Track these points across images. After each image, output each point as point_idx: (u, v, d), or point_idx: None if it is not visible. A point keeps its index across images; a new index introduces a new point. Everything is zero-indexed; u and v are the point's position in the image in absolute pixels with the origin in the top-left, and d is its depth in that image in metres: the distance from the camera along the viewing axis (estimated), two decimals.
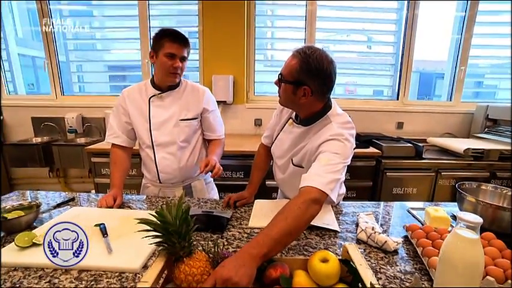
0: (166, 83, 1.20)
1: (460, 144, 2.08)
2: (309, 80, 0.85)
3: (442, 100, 2.77)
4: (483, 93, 2.97)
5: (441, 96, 2.81)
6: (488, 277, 0.66)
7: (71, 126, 2.59)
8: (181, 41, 1.13)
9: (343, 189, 1.17)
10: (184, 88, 1.26)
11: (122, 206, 1.13)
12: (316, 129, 0.95)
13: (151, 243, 0.57)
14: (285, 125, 1.07)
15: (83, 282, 0.69)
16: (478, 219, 0.59)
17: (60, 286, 0.67)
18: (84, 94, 2.88)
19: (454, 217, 1.04)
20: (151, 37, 1.15)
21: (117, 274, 0.71)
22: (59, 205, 1.11)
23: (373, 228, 0.87)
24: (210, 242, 0.84)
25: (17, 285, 0.67)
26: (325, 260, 0.59)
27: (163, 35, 1.12)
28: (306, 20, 2.49)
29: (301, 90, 0.87)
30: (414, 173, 2.01)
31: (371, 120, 2.59)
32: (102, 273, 0.72)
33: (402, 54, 2.58)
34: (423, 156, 2.04)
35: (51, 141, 2.52)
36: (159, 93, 1.22)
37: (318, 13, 2.47)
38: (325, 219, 0.97)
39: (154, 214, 0.58)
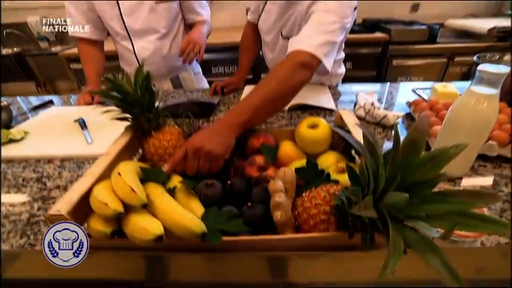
0: None
1: (484, 24, 1.80)
2: None
3: None
4: None
5: None
6: (490, 142, 0.61)
7: (38, 33, 2.28)
8: None
9: (342, 69, 1.03)
10: None
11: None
12: None
13: (112, 118, 0.49)
14: None
15: (66, 169, 0.69)
16: (502, 70, 0.48)
17: (45, 173, 0.67)
18: None
19: None
20: None
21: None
22: (37, 107, 1.03)
23: (372, 104, 0.78)
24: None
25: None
26: (314, 126, 0.52)
27: None
28: None
29: None
30: (424, 59, 1.81)
31: (380, 3, 2.19)
32: (85, 160, 0.71)
33: None
34: (437, 41, 1.80)
35: (23, 52, 2.27)
36: None
37: None
38: (321, 99, 0.89)
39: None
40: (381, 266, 0.36)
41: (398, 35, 1.76)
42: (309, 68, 0.59)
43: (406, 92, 1.02)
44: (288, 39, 0.84)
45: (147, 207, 0.35)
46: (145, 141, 0.50)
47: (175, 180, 0.43)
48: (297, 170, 0.44)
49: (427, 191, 0.25)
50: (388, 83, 1.09)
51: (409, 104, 0.82)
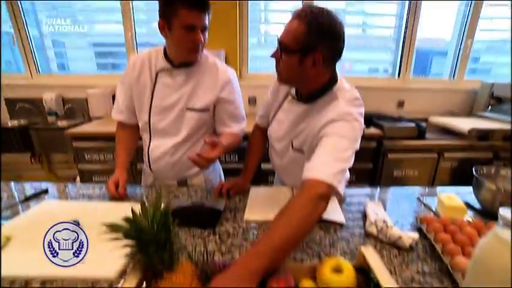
0: (184, 60, 0.97)
1: (464, 125, 1.99)
2: (321, 44, 0.71)
3: (443, 77, 2.65)
4: (479, 70, 2.82)
5: (438, 74, 2.68)
6: None
7: (50, 108, 2.39)
8: (201, 5, 0.86)
9: (347, 175, 1.06)
10: (203, 66, 1.01)
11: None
12: (320, 106, 0.81)
13: (124, 255, 0.45)
14: (283, 102, 0.93)
15: None
16: None
17: None
18: (63, 73, 2.64)
19: (469, 205, 0.95)
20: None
21: (89, 286, 0.60)
22: (28, 198, 0.98)
23: (384, 221, 0.77)
24: (199, 240, 0.74)
25: None
26: (338, 270, 0.48)
27: None
28: None
29: (311, 58, 0.72)
30: (416, 154, 1.92)
31: (371, 99, 2.43)
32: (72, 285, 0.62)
33: (405, 29, 2.41)
34: (426, 137, 1.95)
35: (29, 125, 2.33)
36: (169, 68, 0.98)
37: None
38: (329, 210, 0.87)
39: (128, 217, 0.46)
40: None
41: (391, 131, 1.90)
42: (326, 198, 0.60)
43: (411, 198, 1.03)
44: (298, 151, 0.88)
45: None
46: (155, 283, 0.45)
47: None
48: None
49: None
50: (391, 188, 1.11)
51: (420, 220, 0.81)
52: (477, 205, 0.95)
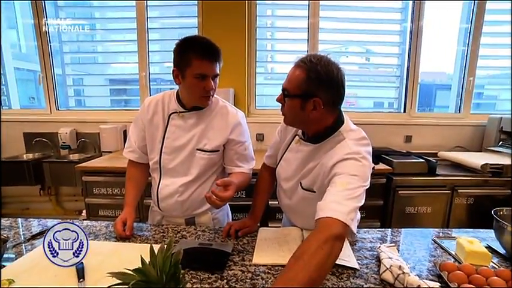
0: (195, 105, 1.01)
1: (475, 159, 1.95)
2: (319, 90, 0.76)
3: (449, 112, 2.67)
4: (483, 104, 2.84)
5: (442, 107, 2.71)
6: None
7: (64, 142, 2.47)
8: (212, 56, 0.91)
9: (358, 215, 1.03)
10: (214, 109, 1.04)
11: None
12: (327, 146, 0.83)
13: None
14: (290, 142, 0.95)
15: None
16: None
17: None
18: (79, 109, 2.78)
19: (492, 249, 0.90)
20: (173, 49, 0.95)
21: None
22: (33, 236, 0.97)
23: (400, 267, 0.72)
24: (207, 285, 0.70)
25: None
26: None
27: (188, 49, 0.90)
28: (308, 31, 2.43)
29: (311, 103, 0.77)
30: (428, 190, 1.86)
31: (378, 134, 2.46)
32: None
33: (408, 66, 2.50)
34: (436, 173, 1.91)
35: (43, 158, 2.39)
36: (181, 112, 1.02)
37: (321, 25, 2.41)
38: (341, 253, 0.83)
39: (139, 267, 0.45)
40: None
41: (400, 167, 1.87)
42: (342, 238, 0.60)
43: (427, 240, 0.98)
44: (308, 191, 0.87)
45: None
46: None
47: None
48: None
49: None
50: (403, 230, 1.06)
51: (440, 267, 0.76)
52: (500, 249, 0.90)
